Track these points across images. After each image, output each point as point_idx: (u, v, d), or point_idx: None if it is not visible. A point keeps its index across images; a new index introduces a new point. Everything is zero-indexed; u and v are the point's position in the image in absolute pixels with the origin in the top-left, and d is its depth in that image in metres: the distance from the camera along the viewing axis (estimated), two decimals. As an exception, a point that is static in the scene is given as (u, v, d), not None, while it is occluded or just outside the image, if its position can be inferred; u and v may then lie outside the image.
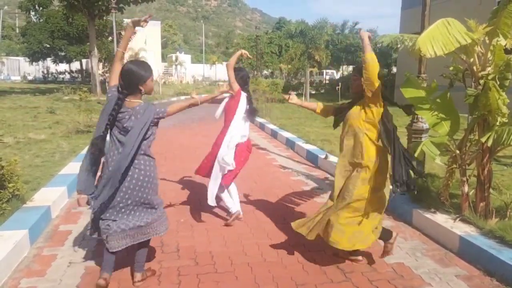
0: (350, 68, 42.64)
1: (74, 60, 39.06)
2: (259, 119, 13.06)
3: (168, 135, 10.51)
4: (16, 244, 3.37)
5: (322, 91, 30.98)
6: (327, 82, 36.64)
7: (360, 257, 3.53)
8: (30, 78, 45.45)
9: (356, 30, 46.54)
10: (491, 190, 4.07)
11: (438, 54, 3.43)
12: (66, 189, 5.04)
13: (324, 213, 3.33)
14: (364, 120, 3.27)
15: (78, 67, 41.74)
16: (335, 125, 3.69)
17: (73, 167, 6.04)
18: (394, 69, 29.75)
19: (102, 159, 2.98)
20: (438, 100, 4.02)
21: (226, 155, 4.26)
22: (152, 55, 49.87)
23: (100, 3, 21.46)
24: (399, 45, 4.24)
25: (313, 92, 29.04)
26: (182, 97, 26.76)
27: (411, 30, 17.12)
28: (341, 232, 3.22)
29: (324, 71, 41.58)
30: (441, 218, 4.04)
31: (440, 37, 3.46)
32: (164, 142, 9.41)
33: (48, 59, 40.82)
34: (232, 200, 4.42)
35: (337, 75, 44.85)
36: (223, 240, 3.91)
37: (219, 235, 4.03)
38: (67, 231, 4.09)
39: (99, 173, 3.00)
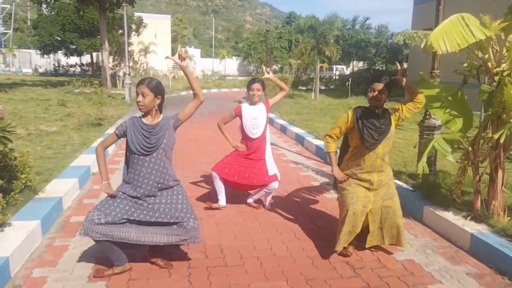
0: (361, 63, 42.29)
1: (84, 53, 39.29)
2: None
3: (178, 129, 10.53)
4: (28, 234, 3.41)
5: (332, 86, 30.81)
6: (337, 77, 36.42)
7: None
8: (41, 70, 45.80)
9: (367, 25, 46.12)
10: (503, 188, 4.02)
11: (450, 50, 3.37)
12: (77, 180, 5.08)
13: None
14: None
15: (89, 60, 41.93)
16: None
17: (84, 159, 6.09)
18: (405, 65, 29.50)
19: None
20: (450, 98, 3.97)
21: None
22: (161, 49, 49.90)
23: (111, -4, 21.52)
24: (415, 44, 4.18)
25: (323, 87, 28.89)
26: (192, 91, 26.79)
27: (423, 25, 16.94)
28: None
29: (334, 66, 41.31)
30: (452, 216, 4.01)
31: (454, 33, 3.41)
32: (173, 136, 9.44)
33: (59, 52, 41.09)
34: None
35: (347, 71, 44.54)
36: (233, 234, 3.92)
37: (229, 229, 4.04)
38: (78, 222, 4.11)
39: None
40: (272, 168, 4.54)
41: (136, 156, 3.00)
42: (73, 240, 3.68)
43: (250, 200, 4.70)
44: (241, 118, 4.46)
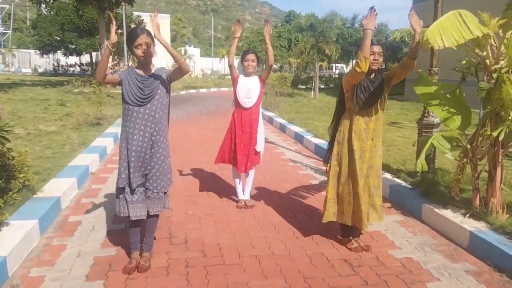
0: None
1: (84, 52, 39.29)
2: (267, 113, 13.03)
3: (177, 128, 10.53)
4: (26, 234, 3.40)
5: (332, 85, 30.82)
6: (336, 76, 36.41)
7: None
8: (40, 70, 45.83)
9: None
10: (502, 186, 4.02)
11: (447, 45, 3.37)
12: (76, 180, 5.08)
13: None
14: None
15: (88, 59, 41.95)
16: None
17: (83, 159, 6.09)
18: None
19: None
20: (448, 95, 3.97)
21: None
22: (161, 49, 49.85)
23: (110, -5, 21.53)
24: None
25: (323, 86, 28.90)
26: (192, 91, 26.81)
27: (423, 23, 16.90)
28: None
29: (334, 65, 41.30)
30: (451, 213, 4.00)
31: (451, 29, 3.40)
32: (172, 135, 9.44)
33: (59, 51, 41.10)
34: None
35: (347, 69, 44.51)
36: (231, 233, 3.92)
37: (227, 228, 4.04)
38: (77, 221, 4.12)
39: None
40: (260, 143, 4.63)
41: (130, 107, 3.02)
42: (71, 240, 3.68)
43: (245, 197, 4.71)
44: (236, 85, 4.53)
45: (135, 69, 3.08)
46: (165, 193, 3.23)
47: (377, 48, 3.33)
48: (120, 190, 3.08)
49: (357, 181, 3.39)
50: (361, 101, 3.33)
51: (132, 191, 3.07)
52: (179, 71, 3.09)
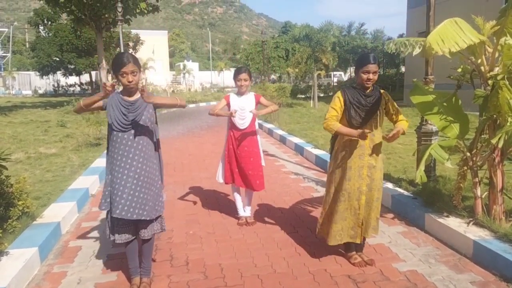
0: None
1: (83, 72, 39.54)
2: (267, 125, 13.02)
3: (177, 144, 10.53)
4: (26, 262, 3.37)
5: (331, 93, 30.83)
6: (335, 84, 36.48)
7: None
8: (41, 92, 46.01)
9: (363, 30, 46.35)
10: (504, 192, 3.98)
11: (452, 50, 3.35)
12: (75, 204, 5.05)
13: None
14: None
15: (88, 79, 42.22)
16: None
17: (83, 181, 6.07)
18: (403, 69, 29.53)
19: None
20: (444, 104, 3.95)
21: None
22: (160, 65, 50.25)
23: (106, 15, 21.71)
24: (407, 51, 4.15)
25: (322, 95, 28.93)
26: (191, 105, 26.82)
27: (418, 29, 16.98)
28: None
29: (332, 73, 41.43)
30: (454, 222, 3.96)
31: (451, 35, 3.40)
32: (173, 152, 9.42)
33: (58, 72, 41.36)
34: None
35: (345, 77, 44.64)
36: (233, 252, 3.87)
37: (229, 246, 4.00)
38: (77, 247, 4.09)
39: None
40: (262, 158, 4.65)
41: (115, 132, 2.97)
42: (72, 266, 3.64)
43: (246, 213, 4.67)
44: (229, 107, 4.45)
45: (120, 94, 3.04)
46: (158, 216, 3.18)
47: (372, 67, 3.22)
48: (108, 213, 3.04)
49: (356, 198, 3.37)
50: (354, 120, 3.30)
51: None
52: (173, 106, 3.15)
